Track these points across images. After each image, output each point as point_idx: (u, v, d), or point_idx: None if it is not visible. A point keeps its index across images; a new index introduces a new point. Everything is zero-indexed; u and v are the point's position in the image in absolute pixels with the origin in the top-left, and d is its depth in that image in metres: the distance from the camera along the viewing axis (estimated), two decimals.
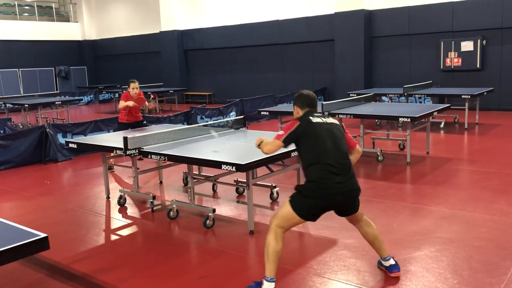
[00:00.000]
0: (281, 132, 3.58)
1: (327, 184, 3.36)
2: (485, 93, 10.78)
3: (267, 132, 6.59)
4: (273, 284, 3.45)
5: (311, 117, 3.56)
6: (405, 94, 11.15)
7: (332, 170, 3.37)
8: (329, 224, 4.79)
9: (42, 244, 2.84)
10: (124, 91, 8.28)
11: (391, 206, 5.47)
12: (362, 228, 3.74)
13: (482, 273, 3.72)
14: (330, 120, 3.64)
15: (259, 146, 3.74)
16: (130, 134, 5.63)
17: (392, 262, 3.73)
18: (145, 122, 8.13)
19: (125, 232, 5.17)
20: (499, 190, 5.91)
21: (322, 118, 3.60)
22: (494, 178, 6.49)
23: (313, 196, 3.39)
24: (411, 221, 4.93)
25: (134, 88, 7.91)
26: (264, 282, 3.45)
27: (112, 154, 6.68)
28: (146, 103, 8.28)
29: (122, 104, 7.79)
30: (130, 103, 7.76)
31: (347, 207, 3.56)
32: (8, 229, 3.11)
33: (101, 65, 24.25)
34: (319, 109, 8.01)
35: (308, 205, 3.43)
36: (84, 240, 4.86)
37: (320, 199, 3.40)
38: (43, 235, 2.86)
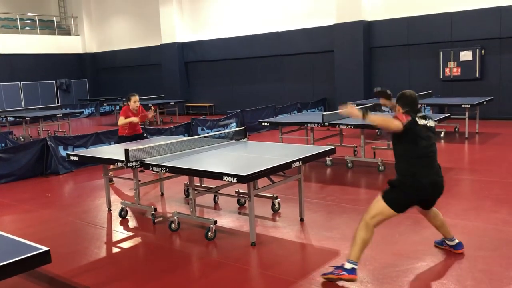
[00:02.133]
0: (400, 117, 3.78)
1: (421, 178, 3.77)
2: (484, 102, 10.79)
3: (267, 142, 6.61)
4: (355, 266, 3.75)
5: (417, 118, 3.83)
6: None
7: (432, 170, 3.85)
8: (330, 234, 4.78)
9: (44, 257, 2.83)
10: (124, 105, 8.11)
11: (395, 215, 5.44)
12: (433, 218, 4.22)
13: (485, 284, 3.70)
14: (431, 123, 3.96)
15: (364, 116, 3.95)
16: (132, 146, 5.64)
17: (457, 241, 4.23)
18: (145, 134, 8.08)
19: (126, 245, 5.15)
20: (501, 199, 5.90)
21: (425, 120, 3.90)
22: (496, 187, 6.48)
23: (408, 190, 3.80)
24: (413, 231, 4.92)
25: (135, 101, 7.77)
26: (346, 263, 3.78)
27: (112, 167, 6.67)
28: (148, 115, 8.11)
29: (122, 120, 7.60)
30: (135, 119, 7.61)
31: (434, 200, 4.03)
32: (9, 242, 3.10)
33: (102, 77, 24.36)
34: (319, 119, 8.08)
35: (403, 198, 3.82)
36: (86, 253, 4.85)
37: (414, 192, 3.81)
38: (44, 248, 2.85)
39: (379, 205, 3.84)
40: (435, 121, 7.85)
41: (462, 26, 13.46)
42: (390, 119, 3.85)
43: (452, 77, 13.81)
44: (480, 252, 4.30)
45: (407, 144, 3.84)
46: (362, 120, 4.07)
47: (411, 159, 3.82)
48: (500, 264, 4.03)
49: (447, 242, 4.30)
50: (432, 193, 3.93)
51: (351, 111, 4.10)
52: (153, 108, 8.34)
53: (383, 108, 12.76)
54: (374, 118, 3.97)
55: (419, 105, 4.06)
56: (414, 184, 3.80)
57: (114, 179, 7.62)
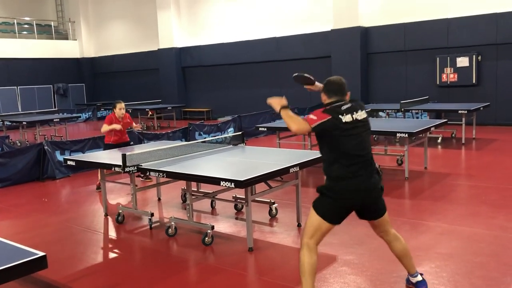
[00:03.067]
0: (313, 117, 3.38)
1: (347, 182, 3.32)
2: (481, 108, 10.83)
3: (264, 147, 6.61)
4: None
5: (341, 115, 3.35)
6: (402, 109, 11.21)
7: (353, 170, 3.32)
8: (328, 240, 4.77)
9: (40, 263, 2.82)
10: (110, 113, 7.95)
11: (390, 221, 5.43)
12: (390, 242, 3.63)
13: None
14: (360, 115, 3.43)
15: (280, 109, 3.60)
16: (129, 151, 5.62)
17: (419, 278, 3.66)
18: (132, 143, 7.98)
19: (123, 250, 5.13)
20: (498, 205, 5.91)
21: (353, 114, 3.39)
22: (493, 193, 6.49)
23: (333, 197, 3.35)
24: (411, 237, 4.91)
25: (121, 108, 7.65)
26: None
27: (99, 174, 6.61)
28: (134, 124, 8.03)
29: (105, 128, 7.50)
30: (117, 127, 7.52)
31: (369, 208, 3.47)
32: (5, 248, 3.08)
33: (100, 82, 24.34)
34: None
35: (332, 207, 3.37)
36: (82, 258, 4.83)
37: (342, 199, 3.35)
38: (41, 253, 2.83)
39: (313, 220, 3.40)
40: (433, 126, 7.94)
41: (459, 32, 13.53)
42: (296, 120, 3.45)
43: (449, 83, 13.87)
44: (478, 258, 4.30)
45: (330, 146, 3.39)
46: (278, 112, 3.68)
47: (335, 161, 3.35)
48: (497, 270, 4.03)
49: (409, 278, 3.72)
50: (364, 199, 3.38)
51: (272, 101, 3.78)
52: (150, 112, 8.31)
53: (380, 113, 12.82)
54: (284, 114, 3.53)
55: (347, 93, 3.52)
56: (341, 190, 3.33)
57: (107, 184, 7.54)
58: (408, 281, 3.77)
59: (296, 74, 4.17)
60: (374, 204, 3.48)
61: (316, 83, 4.02)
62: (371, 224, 3.61)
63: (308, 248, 3.40)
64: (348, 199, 3.36)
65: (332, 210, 3.37)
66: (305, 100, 16.46)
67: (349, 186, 3.32)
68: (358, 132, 3.39)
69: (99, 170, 6.30)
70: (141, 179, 7.71)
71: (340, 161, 3.35)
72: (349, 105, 3.44)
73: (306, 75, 4.09)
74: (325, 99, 3.56)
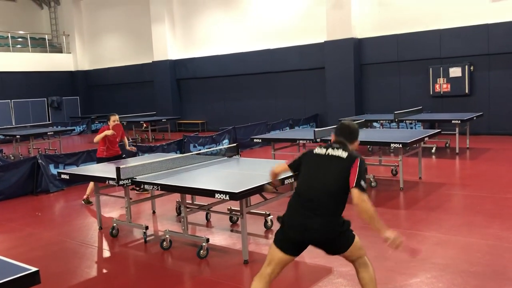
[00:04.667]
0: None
1: (289, 214, 3.24)
2: (474, 118, 10.90)
3: (259, 159, 6.60)
4: None
5: (318, 148, 3.38)
6: (396, 120, 11.26)
7: (299, 205, 3.20)
8: (324, 252, 4.75)
9: (33, 278, 2.77)
10: (104, 125, 7.95)
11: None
12: (357, 267, 3.39)
13: None
14: (336, 153, 3.27)
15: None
16: (122, 164, 5.60)
17: None
18: (124, 155, 7.97)
19: (118, 264, 5.09)
20: (493, 214, 5.92)
21: (330, 150, 3.31)
22: (487, 202, 6.51)
23: (281, 226, 3.29)
24: (406, 248, 4.90)
25: (114, 121, 7.65)
26: None
27: (88, 188, 6.57)
28: (126, 142, 8.05)
29: (98, 137, 7.49)
30: (108, 132, 7.48)
31: (319, 246, 3.29)
32: None
33: (94, 95, 24.33)
34: (311, 135, 8.10)
35: (283, 237, 3.26)
36: (76, 273, 4.78)
37: (283, 230, 3.26)
38: (34, 269, 2.79)
39: (270, 246, 3.32)
40: (427, 136, 7.97)
41: (451, 43, 13.66)
42: (275, 166, 3.69)
43: (442, 93, 13.96)
44: (473, 268, 4.29)
45: (298, 178, 3.43)
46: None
47: (294, 192, 3.37)
48: (493, 279, 4.03)
49: None
50: (298, 238, 3.19)
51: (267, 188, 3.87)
52: (145, 125, 8.31)
53: (374, 124, 12.87)
54: (274, 168, 3.73)
55: (346, 136, 3.38)
56: (284, 221, 3.25)
57: (91, 200, 7.51)
58: None
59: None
60: (318, 244, 3.26)
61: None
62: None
63: (259, 275, 3.28)
64: (286, 234, 3.24)
65: (284, 240, 3.25)
66: (299, 112, 16.54)
67: (287, 221, 3.24)
68: (322, 165, 3.26)
69: (90, 184, 6.26)
70: (136, 191, 7.68)
71: (295, 193, 3.34)
72: (336, 144, 3.34)
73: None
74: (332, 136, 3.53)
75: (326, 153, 3.30)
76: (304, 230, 3.15)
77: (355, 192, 3.09)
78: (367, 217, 3.08)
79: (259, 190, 4.61)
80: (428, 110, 13.50)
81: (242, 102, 18.60)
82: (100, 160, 7.57)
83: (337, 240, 3.22)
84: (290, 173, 3.72)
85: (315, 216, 3.13)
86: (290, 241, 3.23)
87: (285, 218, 3.26)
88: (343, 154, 3.24)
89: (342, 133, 3.39)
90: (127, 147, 8.21)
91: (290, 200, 3.32)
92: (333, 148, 3.30)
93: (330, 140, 3.47)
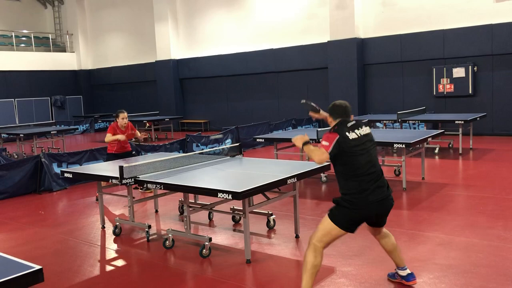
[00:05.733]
0: (325, 143, 3.60)
1: (362, 195, 3.55)
2: (478, 119, 10.88)
3: (262, 159, 6.60)
4: None
5: (347, 132, 3.63)
6: (399, 120, 11.24)
7: (368, 185, 3.56)
8: (327, 252, 4.74)
9: (36, 276, 2.79)
10: (112, 122, 7.96)
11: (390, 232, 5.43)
12: (381, 239, 3.91)
13: None
14: (364, 131, 3.73)
15: (303, 145, 3.76)
16: (126, 163, 5.61)
17: (408, 271, 3.92)
18: (133, 152, 8.00)
19: (120, 263, 5.10)
20: (496, 215, 5.91)
21: (357, 130, 3.68)
22: (490, 203, 6.49)
23: (351, 208, 3.56)
24: (409, 248, 4.90)
25: (123, 118, 7.65)
26: None
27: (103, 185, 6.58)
28: (138, 133, 8.00)
29: (109, 138, 7.50)
30: (121, 137, 7.50)
31: (381, 216, 3.74)
32: (0, 261, 3.06)
33: (97, 94, 24.39)
34: (314, 135, 8.10)
35: (347, 217, 3.58)
36: (79, 271, 4.79)
37: (357, 210, 3.56)
38: (37, 267, 2.81)
39: (325, 225, 3.62)
40: (430, 137, 7.97)
41: (455, 43, 13.64)
42: (316, 152, 3.64)
43: (445, 93, 13.94)
44: (476, 269, 4.28)
45: (343, 164, 3.63)
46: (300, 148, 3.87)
47: (350, 177, 3.60)
48: (496, 280, 4.02)
49: (398, 271, 3.99)
50: (378, 211, 3.65)
51: (295, 139, 3.89)
52: (147, 124, 8.31)
53: (377, 124, 12.86)
54: (307, 150, 3.74)
55: (351, 115, 3.83)
56: (358, 202, 3.56)
57: (104, 196, 7.54)
58: (393, 275, 4.03)
59: (304, 101, 4.49)
60: (385, 215, 3.76)
61: (322, 111, 4.26)
62: (370, 227, 3.88)
63: (314, 249, 3.60)
64: (363, 211, 3.58)
65: (346, 218, 3.59)
66: (302, 112, 16.53)
67: (363, 200, 3.55)
68: (366, 148, 3.66)
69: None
70: (140, 190, 7.70)
71: (355, 178, 3.59)
72: (353, 122, 3.73)
73: (312, 104, 4.35)
74: (331, 121, 3.82)
75: (360, 135, 3.67)
76: (385, 202, 3.66)
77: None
78: None
79: (261, 189, 4.62)
80: (432, 110, 13.48)
81: (245, 102, 18.61)
82: (110, 156, 7.63)
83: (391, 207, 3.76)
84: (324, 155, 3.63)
85: (384, 188, 3.67)
86: (361, 219, 3.63)
87: (357, 200, 3.56)
88: (367, 130, 3.78)
89: (348, 112, 3.81)
90: (140, 138, 8.15)
91: (354, 187, 3.57)
92: (356, 128, 3.70)
93: (345, 118, 3.76)
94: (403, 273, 3.92)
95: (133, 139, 8.11)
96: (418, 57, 14.32)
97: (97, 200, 7.54)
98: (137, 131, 8.01)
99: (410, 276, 3.91)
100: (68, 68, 24.04)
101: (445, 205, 6.49)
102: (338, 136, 3.59)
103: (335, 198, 3.68)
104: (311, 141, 3.84)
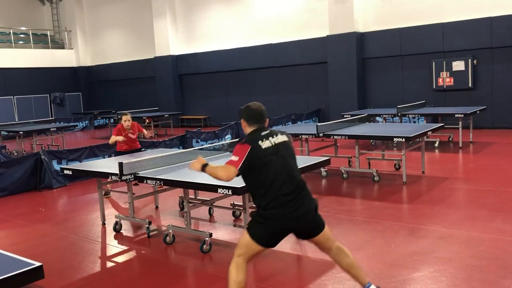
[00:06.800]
0: (234, 158, 3.33)
1: (277, 210, 3.25)
2: (478, 112, 10.86)
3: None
4: None
5: (260, 141, 3.34)
6: (399, 114, 11.23)
7: (284, 198, 3.25)
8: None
9: (37, 273, 2.80)
10: (118, 123, 7.99)
11: (389, 226, 5.44)
12: (335, 257, 3.48)
13: None
14: (280, 139, 3.42)
15: (203, 169, 3.49)
16: (125, 159, 5.61)
17: (374, 286, 3.48)
18: (143, 149, 8.01)
19: (121, 259, 5.11)
20: (496, 208, 5.91)
21: (271, 139, 3.39)
22: (490, 196, 6.49)
23: (266, 223, 3.29)
24: (409, 241, 4.90)
25: (126, 120, 7.67)
26: None
27: (108, 180, 6.62)
28: (145, 132, 8.02)
29: (112, 139, 7.59)
30: (120, 138, 7.54)
31: (306, 230, 3.39)
32: (1, 258, 3.06)
33: (96, 91, 24.34)
34: (314, 130, 8.09)
35: (264, 232, 3.31)
36: (80, 268, 4.80)
37: (273, 225, 3.28)
38: (37, 264, 2.82)
39: (244, 240, 3.36)
40: (430, 130, 7.95)
41: (454, 37, 13.59)
42: (220, 170, 3.38)
43: (445, 87, 13.91)
44: (476, 262, 4.29)
45: (257, 176, 3.32)
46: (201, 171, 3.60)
47: (265, 190, 3.28)
48: (496, 273, 4.02)
49: None
50: (299, 226, 3.32)
51: (192, 165, 3.65)
52: (147, 120, 8.29)
53: (377, 118, 12.85)
54: (208, 171, 3.48)
55: (266, 120, 3.52)
56: (274, 217, 3.26)
57: (110, 192, 7.58)
58: None
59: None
60: (312, 230, 3.39)
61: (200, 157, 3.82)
62: (312, 242, 3.50)
63: (236, 265, 3.35)
64: (280, 226, 3.29)
65: (263, 234, 3.32)
66: (302, 106, 16.52)
67: (280, 215, 3.26)
68: (281, 157, 3.35)
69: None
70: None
71: (269, 191, 3.28)
72: (267, 131, 3.43)
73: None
74: (245, 125, 3.52)
75: (274, 143, 3.38)
76: (306, 215, 3.30)
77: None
78: None
79: None
80: (431, 104, 13.45)
81: (244, 97, 18.55)
82: (118, 154, 7.66)
83: (316, 218, 3.38)
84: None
85: (305, 199, 3.33)
86: (279, 233, 3.34)
87: (273, 215, 3.26)
88: (285, 138, 3.47)
89: (263, 117, 3.51)
90: (147, 136, 8.18)
91: (269, 201, 3.27)
92: (272, 136, 3.41)
93: (259, 122, 3.48)
94: None
95: (142, 135, 8.14)
96: (417, 50, 14.27)
97: (105, 194, 7.51)
98: (144, 130, 8.05)
99: None
100: (67, 65, 23.99)
101: (445, 199, 6.50)
102: (250, 148, 3.30)
103: (252, 212, 3.41)
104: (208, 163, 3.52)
